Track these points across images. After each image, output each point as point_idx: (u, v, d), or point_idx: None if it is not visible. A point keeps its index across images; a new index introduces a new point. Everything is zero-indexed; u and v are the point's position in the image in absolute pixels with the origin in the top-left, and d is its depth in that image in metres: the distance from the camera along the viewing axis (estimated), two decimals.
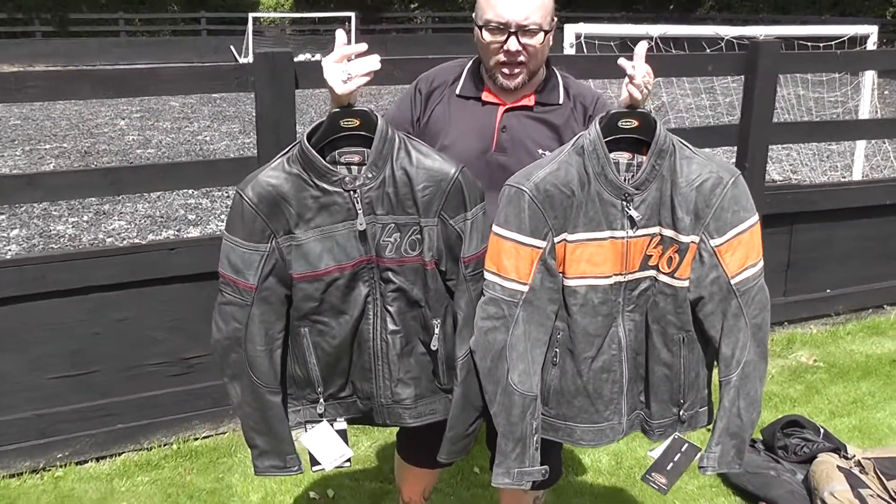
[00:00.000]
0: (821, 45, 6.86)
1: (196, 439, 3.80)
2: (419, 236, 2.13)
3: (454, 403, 2.21)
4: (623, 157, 2.16)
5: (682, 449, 2.25)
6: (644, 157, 2.14)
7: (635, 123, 2.13)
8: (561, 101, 2.44)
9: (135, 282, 3.55)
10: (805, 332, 5.05)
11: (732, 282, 2.14)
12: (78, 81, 3.42)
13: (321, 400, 2.25)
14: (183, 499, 3.40)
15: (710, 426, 2.28)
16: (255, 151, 3.52)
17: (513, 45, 2.27)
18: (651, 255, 2.15)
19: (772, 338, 4.86)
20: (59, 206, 7.19)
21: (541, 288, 2.12)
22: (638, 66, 2.15)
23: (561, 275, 2.14)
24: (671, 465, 2.24)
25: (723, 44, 6.87)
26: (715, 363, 2.24)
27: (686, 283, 2.14)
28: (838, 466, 3.30)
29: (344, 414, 2.30)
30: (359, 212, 2.10)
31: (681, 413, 2.25)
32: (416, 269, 2.15)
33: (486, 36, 2.31)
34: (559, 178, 2.10)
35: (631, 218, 2.10)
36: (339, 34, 2.14)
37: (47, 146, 9.49)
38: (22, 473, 3.53)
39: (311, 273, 2.13)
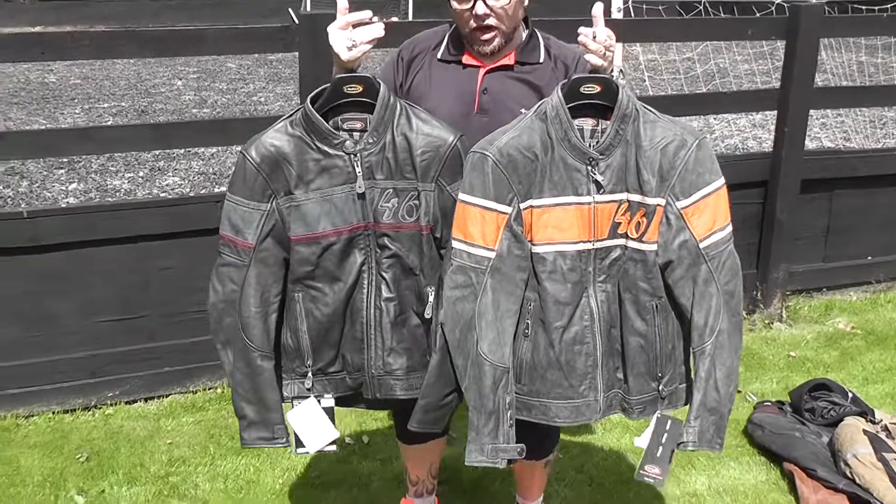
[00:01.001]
0: (875, 7, 6.74)
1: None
2: (416, 202, 2.18)
3: (429, 371, 2.21)
4: (587, 123, 2.15)
5: (667, 428, 2.20)
6: (608, 123, 2.13)
7: (598, 89, 2.11)
8: (542, 60, 2.44)
9: (180, 232, 3.70)
10: (844, 298, 5.04)
11: (701, 245, 2.13)
12: (125, 41, 3.55)
13: (309, 374, 2.27)
14: (225, 439, 3.56)
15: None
16: None
17: (480, 8, 2.28)
18: (619, 223, 2.14)
19: (809, 303, 4.88)
20: (116, 162, 7.39)
21: (508, 255, 2.12)
22: (598, 32, 2.15)
23: (528, 242, 2.14)
24: (660, 449, 2.18)
25: (773, 8, 6.78)
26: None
27: (654, 247, 2.14)
28: (864, 430, 3.33)
29: (332, 391, 2.31)
30: (358, 175, 2.15)
31: (660, 388, 2.22)
32: (412, 235, 2.20)
33: (455, 4, 2.33)
34: (522, 142, 2.10)
35: (596, 182, 2.10)
36: (341, 1, 2.15)
37: (105, 105, 9.71)
38: (75, 410, 3.72)
39: (309, 235, 2.17)
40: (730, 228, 2.18)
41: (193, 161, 7.52)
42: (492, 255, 2.11)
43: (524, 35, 2.46)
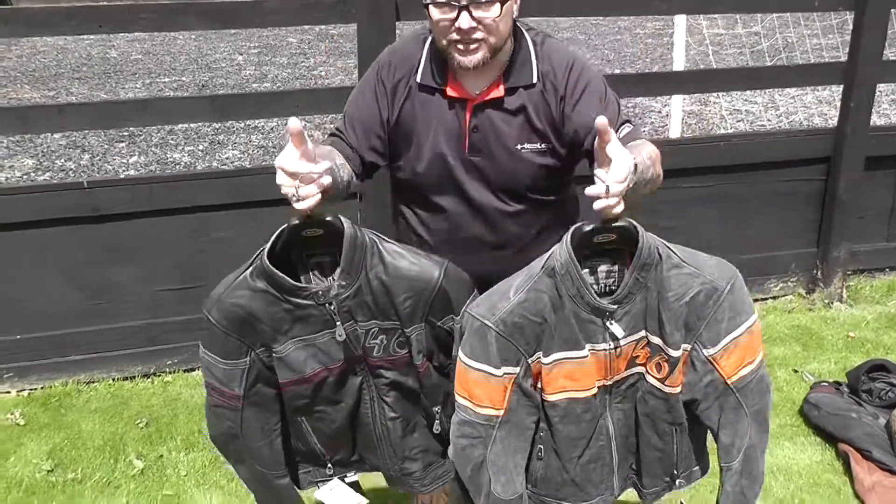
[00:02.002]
0: None
1: None
2: (404, 339, 1.97)
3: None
4: (602, 265, 1.93)
5: None
6: (626, 267, 1.90)
7: (612, 237, 1.86)
8: (534, 81, 2.11)
9: (238, 203, 3.75)
10: None
11: (729, 381, 1.93)
12: (183, 14, 3.58)
13: (329, 464, 2.15)
14: None
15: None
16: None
17: (464, 22, 1.95)
18: (637, 356, 1.93)
19: (871, 283, 4.79)
20: (176, 136, 7.50)
21: (517, 407, 1.94)
22: (613, 173, 1.68)
23: (539, 392, 1.95)
24: None
25: None
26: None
27: (678, 391, 1.94)
28: None
29: (356, 470, 2.20)
30: (337, 323, 1.91)
31: (676, 481, 2.08)
32: (408, 362, 2.00)
33: (435, 12, 1.99)
34: (528, 308, 1.87)
35: (613, 334, 1.87)
36: (292, 122, 1.71)
37: (166, 79, 9.85)
38: (134, 377, 3.82)
39: (298, 379, 1.97)
40: (761, 356, 1.97)
41: (253, 135, 7.60)
42: (500, 413, 1.92)
43: (510, 47, 2.11)
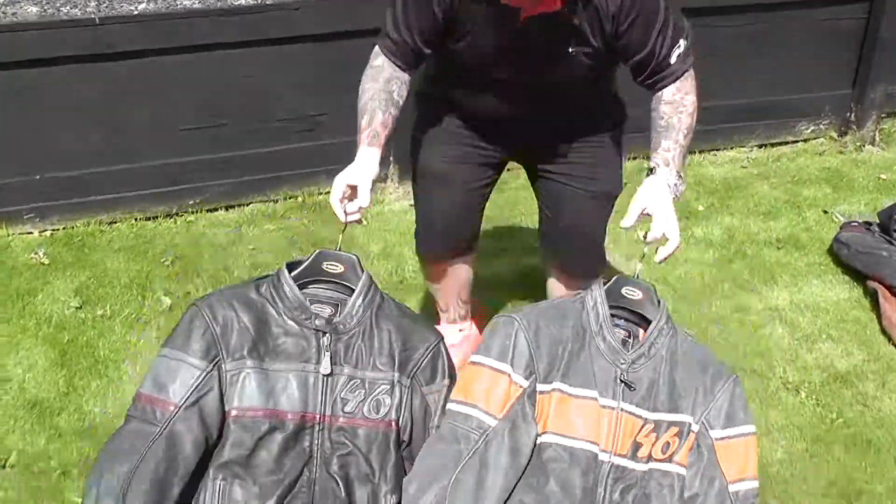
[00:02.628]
0: None
1: (321, 194, 3.95)
2: (386, 397, 1.89)
3: None
4: (619, 333, 1.97)
5: None
6: (642, 334, 1.99)
7: (639, 296, 1.99)
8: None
9: (259, 40, 3.61)
10: None
11: (730, 489, 1.87)
12: None
13: None
14: (307, 246, 3.59)
15: None
16: None
17: None
18: (641, 444, 1.88)
19: None
20: None
21: (510, 431, 1.84)
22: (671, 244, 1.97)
23: (537, 428, 1.88)
24: None
25: None
26: None
27: (683, 471, 1.89)
28: None
29: None
30: (325, 355, 1.88)
31: None
32: (373, 434, 1.87)
33: None
34: (554, 317, 1.93)
35: (626, 384, 1.89)
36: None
37: None
38: (157, 217, 3.77)
39: (252, 410, 1.83)
40: (757, 485, 1.91)
41: None
42: (492, 422, 1.84)
43: None
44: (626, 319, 2.01)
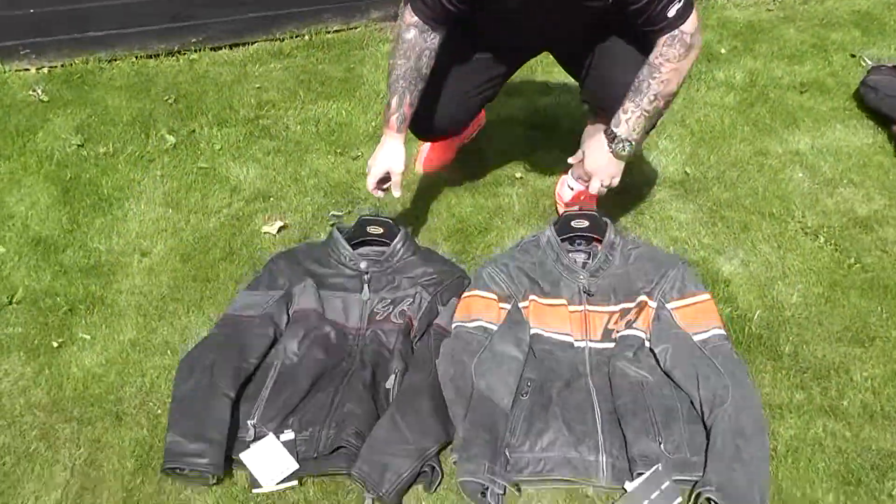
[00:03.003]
0: None
1: (328, 32, 3.82)
2: (409, 307, 2.32)
3: (379, 422, 2.00)
4: (580, 256, 2.43)
5: (662, 487, 1.84)
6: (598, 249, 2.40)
7: (586, 224, 2.44)
8: None
9: None
10: None
11: (695, 338, 2.14)
12: None
13: (254, 423, 2.05)
14: (315, 84, 3.49)
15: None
16: None
17: None
18: (612, 329, 2.23)
19: None
20: None
21: (509, 329, 2.21)
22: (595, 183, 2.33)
23: (527, 323, 2.25)
24: (647, 502, 1.82)
25: None
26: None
27: (644, 333, 2.21)
28: None
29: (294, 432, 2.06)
30: (365, 287, 2.37)
31: (662, 446, 1.93)
32: (395, 332, 2.27)
33: None
34: (520, 256, 2.38)
35: (587, 293, 2.29)
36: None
37: None
38: (158, 55, 3.66)
39: (310, 309, 2.29)
40: (723, 332, 2.16)
41: None
42: (493, 327, 2.21)
43: None
44: (587, 241, 2.46)
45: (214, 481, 1.94)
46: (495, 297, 2.26)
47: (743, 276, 2.50)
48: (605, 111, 2.36)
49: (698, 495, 1.81)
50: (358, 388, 2.09)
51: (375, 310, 2.33)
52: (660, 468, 1.86)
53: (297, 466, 1.95)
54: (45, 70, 3.54)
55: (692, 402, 2.02)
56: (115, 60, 3.62)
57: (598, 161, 2.31)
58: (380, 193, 2.44)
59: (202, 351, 2.15)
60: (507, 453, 1.94)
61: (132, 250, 2.63)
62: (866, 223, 2.71)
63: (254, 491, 1.92)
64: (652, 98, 2.20)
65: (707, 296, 2.23)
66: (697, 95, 3.43)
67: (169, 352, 2.27)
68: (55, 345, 2.30)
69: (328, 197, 2.86)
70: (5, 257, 2.60)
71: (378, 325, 2.29)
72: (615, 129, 2.25)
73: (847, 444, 1.99)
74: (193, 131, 3.20)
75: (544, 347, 2.20)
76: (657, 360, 2.13)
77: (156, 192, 2.88)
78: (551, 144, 3.07)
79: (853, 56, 3.78)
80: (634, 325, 2.21)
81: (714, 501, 1.78)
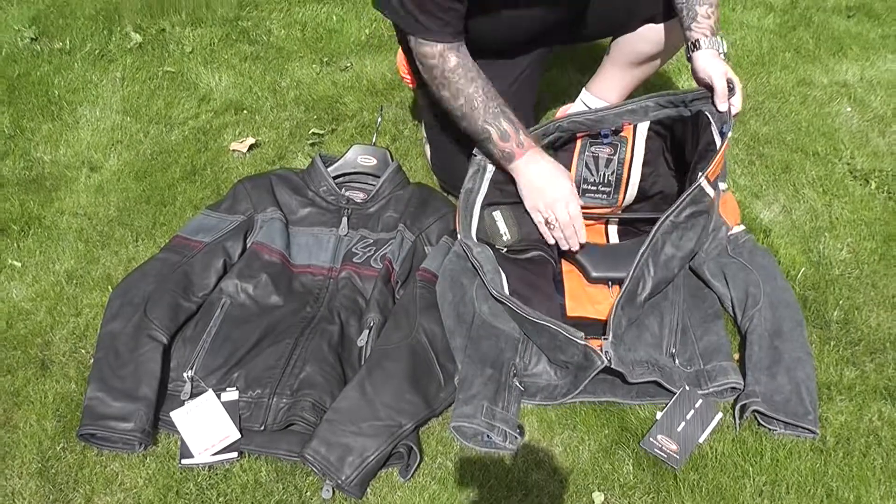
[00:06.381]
0: None
1: None
2: (392, 249, 1.98)
3: (344, 391, 1.65)
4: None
5: (696, 405, 1.67)
6: None
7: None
8: None
9: None
10: None
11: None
12: None
13: (191, 375, 1.73)
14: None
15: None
16: None
17: None
18: None
19: None
20: None
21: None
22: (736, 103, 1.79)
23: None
24: (683, 423, 1.64)
25: None
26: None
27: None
28: None
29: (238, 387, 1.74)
30: (343, 222, 2.04)
31: (676, 361, 1.75)
32: (374, 280, 1.93)
33: None
34: None
35: None
36: None
37: None
38: None
39: (268, 251, 1.95)
40: (745, 229, 1.96)
41: None
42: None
43: None
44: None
45: (142, 450, 1.62)
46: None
47: (784, 225, 2.15)
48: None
49: (744, 407, 1.65)
50: (322, 347, 1.74)
51: (354, 249, 1.99)
52: (686, 388, 1.69)
53: (238, 435, 1.61)
54: None
55: (720, 300, 1.86)
56: None
57: (721, 66, 1.81)
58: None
59: (138, 280, 1.83)
60: (517, 382, 1.70)
61: (80, 163, 2.29)
62: None
63: (182, 462, 1.59)
64: (714, 24, 1.84)
65: (725, 186, 1.93)
66: (733, 16, 3.05)
67: (110, 287, 1.93)
68: None
69: (309, 112, 2.50)
70: None
71: (354, 268, 1.95)
72: (714, 40, 1.81)
73: None
74: (163, 30, 2.83)
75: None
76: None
77: (114, 97, 2.52)
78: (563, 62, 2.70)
79: None
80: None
81: (762, 413, 1.64)
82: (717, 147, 1.76)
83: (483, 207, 1.92)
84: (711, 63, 1.77)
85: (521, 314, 1.69)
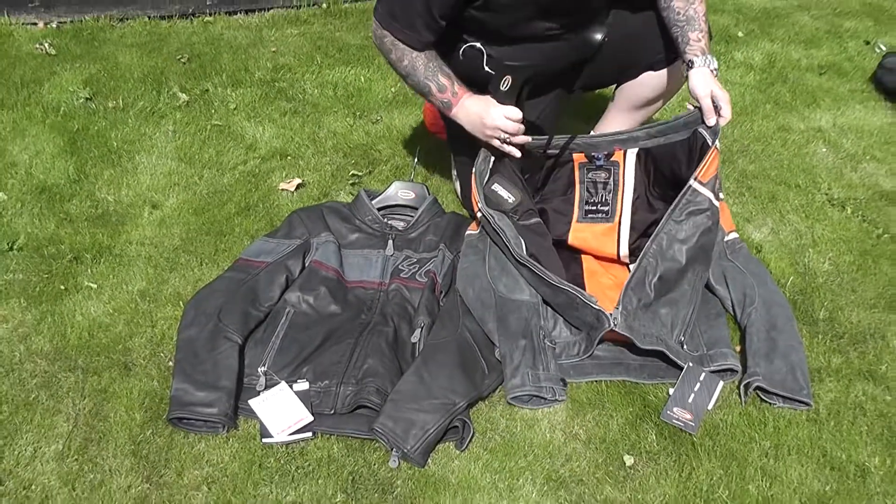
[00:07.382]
0: None
1: (345, 2, 3.76)
2: (435, 266, 2.24)
3: (404, 377, 1.90)
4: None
5: (700, 378, 1.93)
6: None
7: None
8: None
9: None
10: None
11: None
12: None
13: (265, 370, 1.97)
14: (332, 50, 3.43)
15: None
16: None
17: None
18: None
19: None
20: None
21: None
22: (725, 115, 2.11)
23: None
24: (692, 395, 1.90)
25: None
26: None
27: None
28: None
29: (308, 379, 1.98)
30: (388, 243, 2.30)
31: (685, 346, 2.02)
32: (420, 291, 2.18)
33: None
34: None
35: None
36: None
37: None
38: (171, 16, 3.58)
39: (325, 267, 2.20)
40: (738, 237, 2.26)
41: None
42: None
43: None
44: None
45: (225, 432, 1.85)
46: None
47: (773, 243, 2.45)
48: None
49: (747, 385, 1.92)
50: (380, 343, 2.00)
51: (400, 266, 2.25)
52: (691, 364, 1.96)
53: (311, 418, 1.85)
54: (54, 25, 3.46)
55: (721, 302, 2.14)
56: (127, 20, 3.54)
57: (709, 83, 2.11)
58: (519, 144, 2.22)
59: (209, 294, 2.07)
60: (548, 343, 2.01)
61: (142, 202, 2.55)
62: (892, 196, 2.68)
63: (263, 440, 1.82)
64: (704, 18, 2.18)
65: (722, 196, 2.26)
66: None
67: (181, 303, 2.17)
68: (63, 287, 2.20)
69: (347, 158, 2.79)
70: (7, 204, 2.50)
71: (402, 282, 2.21)
72: (705, 58, 2.12)
73: (888, 407, 1.94)
74: (207, 90, 3.12)
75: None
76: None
77: (168, 147, 2.80)
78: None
79: (867, 43, 3.79)
80: None
81: (763, 389, 1.91)
82: (710, 145, 2.07)
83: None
84: (700, 83, 2.10)
85: (542, 276, 2.00)
